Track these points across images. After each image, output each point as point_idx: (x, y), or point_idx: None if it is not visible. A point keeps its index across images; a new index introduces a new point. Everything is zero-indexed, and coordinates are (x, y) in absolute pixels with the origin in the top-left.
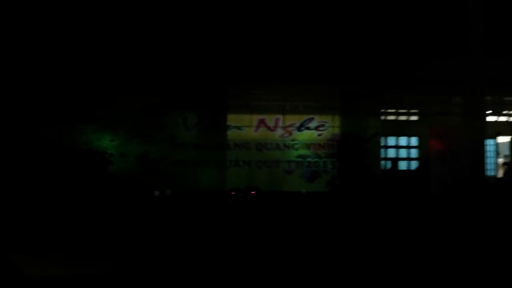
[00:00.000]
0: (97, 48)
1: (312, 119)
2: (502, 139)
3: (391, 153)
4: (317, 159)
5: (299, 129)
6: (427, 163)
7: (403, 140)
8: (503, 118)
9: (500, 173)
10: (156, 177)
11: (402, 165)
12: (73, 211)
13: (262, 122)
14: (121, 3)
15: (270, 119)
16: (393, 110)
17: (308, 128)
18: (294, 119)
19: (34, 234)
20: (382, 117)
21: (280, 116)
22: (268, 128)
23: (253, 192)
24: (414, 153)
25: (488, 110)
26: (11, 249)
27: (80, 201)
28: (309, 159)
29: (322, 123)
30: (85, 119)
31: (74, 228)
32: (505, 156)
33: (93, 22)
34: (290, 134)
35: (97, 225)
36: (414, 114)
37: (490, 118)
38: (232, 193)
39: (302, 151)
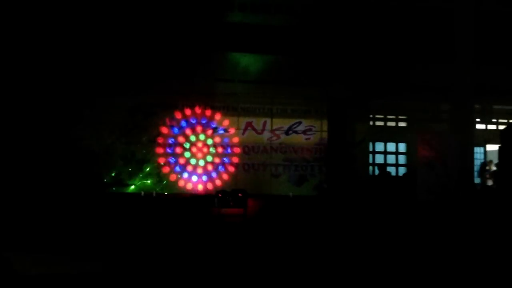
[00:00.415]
0: (85, 49)
1: (300, 123)
2: (491, 147)
3: (379, 158)
4: (304, 163)
5: (286, 132)
6: (414, 169)
7: (391, 146)
8: (492, 126)
9: (490, 181)
10: (142, 178)
11: (390, 171)
12: (59, 210)
13: (249, 125)
14: (110, 6)
15: (257, 122)
16: (381, 116)
17: (296, 132)
18: (282, 123)
19: (22, 232)
20: (371, 123)
21: (268, 120)
22: (256, 131)
23: (240, 195)
24: (402, 159)
25: (477, 118)
26: (3, 247)
27: (66, 200)
28: (296, 163)
29: (310, 127)
30: (71, 119)
31: (59, 227)
32: (496, 165)
33: (80, 24)
34: (278, 137)
35: (83, 224)
36: (402, 120)
37: (479, 126)
38: (219, 195)
39: (290, 155)
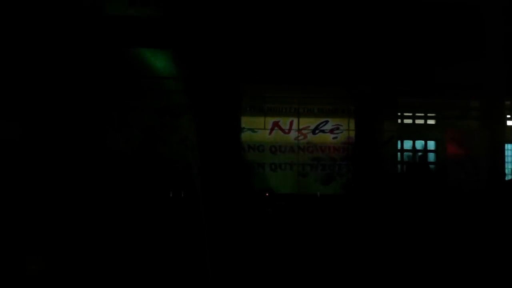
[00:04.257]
0: (111, 49)
1: (327, 122)
2: None
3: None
4: (332, 162)
5: (313, 132)
6: (444, 167)
7: (420, 144)
8: None
9: None
10: (170, 178)
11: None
12: (85, 211)
13: (276, 124)
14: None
15: (284, 122)
16: (410, 113)
17: (323, 131)
18: (309, 122)
19: (47, 234)
20: (399, 121)
21: (295, 119)
22: (283, 130)
23: (267, 195)
24: (431, 157)
25: (507, 114)
26: (26, 249)
27: (94, 202)
28: (323, 162)
29: (337, 126)
30: (100, 121)
31: (83, 228)
32: None
33: (106, 23)
34: (305, 137)
35: (109, 226)
36: (431, 117)
37: (510, 123)
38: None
39: (317, 154)
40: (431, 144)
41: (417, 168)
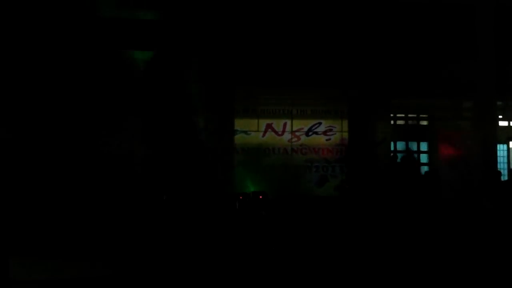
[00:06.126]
0: (104, 51)
1: (320, 123)
2: None
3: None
4: (325, 164)
5: (307, 133)
6: (437, 168)
7: (412, 145)
8: None
9: None
10: (164, 180)
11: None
12: (79, 213)
13: (269, 126)
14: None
15: (277, 124)
16: (402, 115)
17: (316, 133)
18: (302, 124)
19: (41, 236)
20: (391, 122)
21: (288, 121)
22: (276, 132)
23: (261, 197)
24: (424, 158)
25: (499, 115)
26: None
27: (87, 204)
28: (317, 164)
29: (330, 127)
30: (92, 123)
31: (77, 230)
32: None
33: (100, 25)
34: (298, 138)
35: (103, 227)
36: (424, 118)
37: (502, 123)
38: (240, 197)
39: (310, 156)
40: (424, 145)
41: (408, 169)
